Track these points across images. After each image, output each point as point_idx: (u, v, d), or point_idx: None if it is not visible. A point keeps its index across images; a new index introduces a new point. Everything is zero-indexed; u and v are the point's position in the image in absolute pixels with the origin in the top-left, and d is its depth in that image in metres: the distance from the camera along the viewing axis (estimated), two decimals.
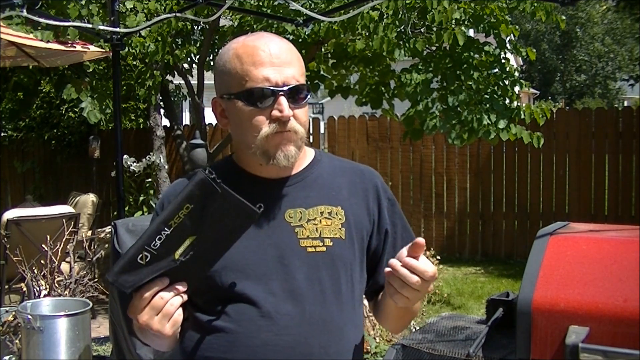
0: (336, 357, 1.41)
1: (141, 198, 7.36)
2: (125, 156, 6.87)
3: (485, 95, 5.36)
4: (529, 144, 5.52)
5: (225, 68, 1.41)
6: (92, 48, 5.36)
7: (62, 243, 4.38)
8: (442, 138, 7.62)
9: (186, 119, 17.79)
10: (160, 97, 7.30)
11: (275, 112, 1.37)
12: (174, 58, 6.32)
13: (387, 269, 1.30)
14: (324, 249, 1.41)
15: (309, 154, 1.52)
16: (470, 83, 5.35)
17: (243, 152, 1.46)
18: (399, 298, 1.31)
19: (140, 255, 1.25)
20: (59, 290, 4.09)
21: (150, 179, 7.32)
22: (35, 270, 4.03)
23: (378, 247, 1.51)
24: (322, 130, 9.51)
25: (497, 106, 5.24)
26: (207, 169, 1.28)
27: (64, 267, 4.69)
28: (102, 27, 4.04)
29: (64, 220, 5.07)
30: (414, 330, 3.36)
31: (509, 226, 8.17)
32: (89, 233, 6.14)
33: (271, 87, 1.36)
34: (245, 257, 1.38)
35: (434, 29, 5.57)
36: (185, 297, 1.29)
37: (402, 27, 5.41)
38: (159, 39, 5.82)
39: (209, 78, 7.28)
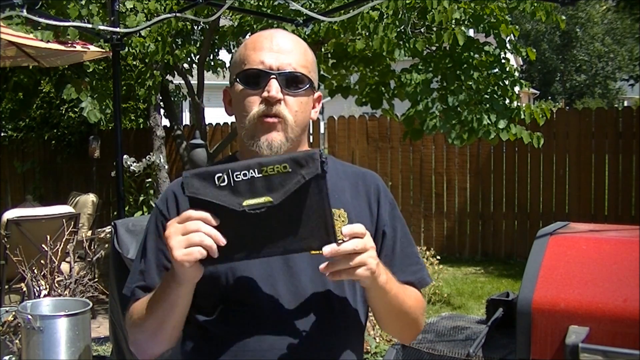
0: (340, 358, 1.41)
1: (141, 198, 7.35)
2: (125, 156, 6.86)
3: (485, 95, 5.35)
4: (529, 144, 5.52)
5: (234, 56, 1.48)
6: (92, 48, 5.36)
7: (62, 243, 4.38)
8: (442, 138, 7.62)
9: (186, 119, 17.81)
10: (160, 97, 7.31)
11: (264, 93, 1.39)
12: (174, 58, 6.33)
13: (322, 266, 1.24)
14: None
15: None
16: (470, 83, 5.34)
17: (244, 147, 1.46)
18: (348, 274, 1.23)
19: (221, 175, 1.18)
20: (59, 290, 4.09)
21: (150, 179, 7.32)
22: (35, 270, 4.03)
23: (377, 248, 1.51)
24: (322, 130, 9.51)
25: (497, 106, 5.24)
26: (320, 152, 1.21)
27: (64, 267, 4.69)
28: (102, 27, 4.04)
29: (64, 220, 5.07)
30: None
31: (509, 226, 8.17)
32: (89, 233, 6.14)
33: (265, 70, 1.39)
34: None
35: (434, 29, 5.57)
36: (215, 251, 1.19)
37: (402, 27, 5.41)
38: (159, 39, 5.83)
39: (209, 78, 7.33)
